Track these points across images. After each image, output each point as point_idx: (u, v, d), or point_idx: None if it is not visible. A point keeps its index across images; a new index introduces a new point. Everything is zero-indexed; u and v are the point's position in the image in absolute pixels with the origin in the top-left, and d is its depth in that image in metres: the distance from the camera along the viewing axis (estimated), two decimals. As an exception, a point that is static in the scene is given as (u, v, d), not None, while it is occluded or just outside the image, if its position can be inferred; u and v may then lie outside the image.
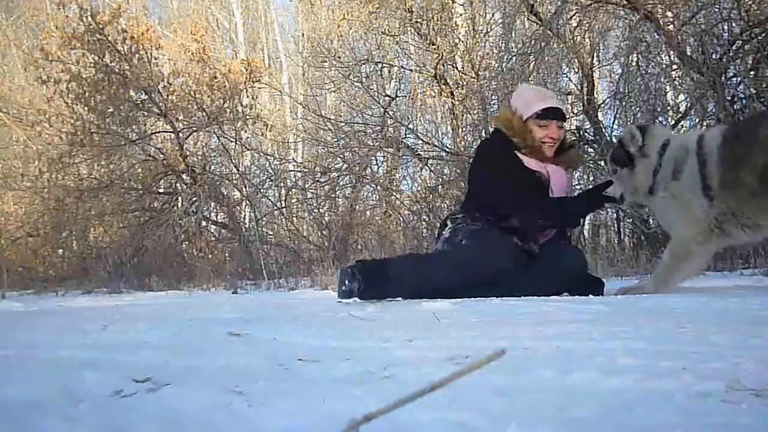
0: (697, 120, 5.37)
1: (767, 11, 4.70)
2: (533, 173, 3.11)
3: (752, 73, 4.85)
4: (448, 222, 3.24)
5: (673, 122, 5.81)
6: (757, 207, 2.49)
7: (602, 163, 5.55)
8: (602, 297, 2.58)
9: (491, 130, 3.73)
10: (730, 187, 2.50)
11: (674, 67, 5.53)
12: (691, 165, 2.58)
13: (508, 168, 3.10)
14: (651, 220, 5.13)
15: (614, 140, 2.80)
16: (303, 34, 12.93)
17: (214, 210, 8.84)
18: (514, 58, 6.26)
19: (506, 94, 5.54)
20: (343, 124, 8.15)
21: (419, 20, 7.49)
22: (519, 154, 3.14)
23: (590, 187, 4.43)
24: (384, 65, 8.57)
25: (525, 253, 3.03)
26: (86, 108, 7.87)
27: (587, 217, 5.91)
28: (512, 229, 3.03)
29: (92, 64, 7.89)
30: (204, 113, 8.02)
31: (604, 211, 6.19)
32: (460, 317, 1.97)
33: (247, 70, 8.33)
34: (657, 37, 5.24)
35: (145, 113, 8.08)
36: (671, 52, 5.32)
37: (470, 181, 3.40)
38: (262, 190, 8.71)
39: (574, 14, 5.56)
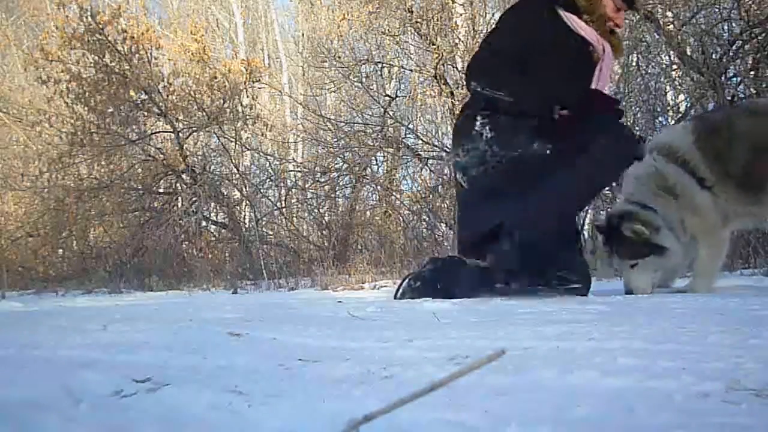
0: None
1: (767, 11, 4.70)
2: (584, 42, 2.54)
3: (752, 73, 4.86)
4: (478, 119, 2.59)
5: (673, 122, 5.81)
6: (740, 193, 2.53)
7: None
8: (603, 297, 2.57)
9: None
10: (719, 174, 2.53)
11: (674, 67, 5.54)
12: (674, 175, 2.57)
13: (534, 31, 2.50)
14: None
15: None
16: (303, 34, 12.93)
17: (214, 210, 8.84)
18: (514, 58, 6.24)
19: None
20: (343, 124, 8.15)
21: (419, 20, 7.48)
22: (570, 17, 2.54)
23: None
24: (384, 65, 8.57)
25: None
26: (86, 108, 7.88)
27: (587, 217, 5.87)
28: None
29: (92, 64, 7.90)
30: (204, 113, 8.03)
31: (603, 210, 6.17)
32: (460, 317, 1.97)
33: (247, 70, 8.34)
34: (657, 37, 5.25)
35: (145, 113, 8.08)
36: (671, 52, 5.33)
37: None
38: (262, 190, 8.72)
39: (574, 14, 5.55)
